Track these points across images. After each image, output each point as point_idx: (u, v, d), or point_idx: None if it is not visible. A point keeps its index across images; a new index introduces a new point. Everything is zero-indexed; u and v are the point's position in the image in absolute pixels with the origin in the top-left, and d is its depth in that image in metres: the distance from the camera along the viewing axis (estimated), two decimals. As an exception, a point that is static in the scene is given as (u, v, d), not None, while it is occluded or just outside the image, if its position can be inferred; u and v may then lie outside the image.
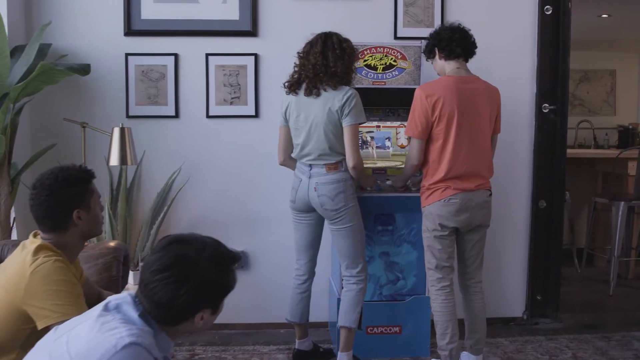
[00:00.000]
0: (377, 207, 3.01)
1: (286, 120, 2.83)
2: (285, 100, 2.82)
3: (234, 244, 3.38)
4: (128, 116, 3.36)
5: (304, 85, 2.72)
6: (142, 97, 3.35)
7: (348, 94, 2.67)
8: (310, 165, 2.76)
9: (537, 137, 3.50)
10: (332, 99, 2.67)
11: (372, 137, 3.19)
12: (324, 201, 2.72)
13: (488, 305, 2.88)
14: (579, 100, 6.87)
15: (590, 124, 6.17)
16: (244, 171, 3.42)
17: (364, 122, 2.80)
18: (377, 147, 3.18)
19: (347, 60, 2.71)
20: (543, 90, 3.48)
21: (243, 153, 3.41)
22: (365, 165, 2.96)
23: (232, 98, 3.38)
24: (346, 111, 2.66)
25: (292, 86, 2.77)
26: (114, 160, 2.85)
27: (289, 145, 2.87)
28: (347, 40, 2.74)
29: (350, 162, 2.68)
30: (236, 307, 3.41)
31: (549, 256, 3.56)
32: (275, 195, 3.36)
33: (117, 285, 2.28)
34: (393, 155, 3.14)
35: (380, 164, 3.13)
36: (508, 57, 3.46)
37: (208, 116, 3.39)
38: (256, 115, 3.40)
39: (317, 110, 2.69)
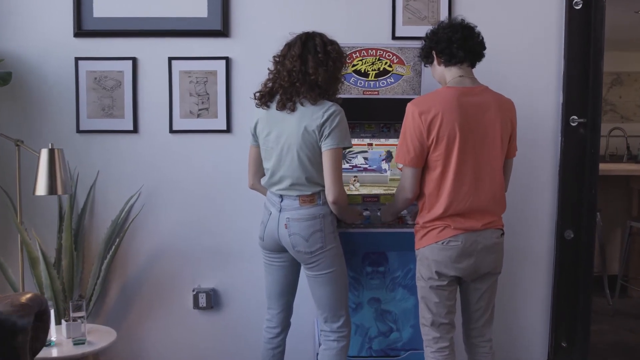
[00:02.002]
0: (366, 244, 2.48)
1: (255, 139, 2.31)
2: (256, 115, 2.30)
3: (203, 280, 2.91)
4: (78, 131, 2.88)
5: (277, 97, 2.21)
6: (95, 109, 2.87)
7: (330, 111, 2.15)
8: (281, 196, 2.24)
9: (563, 156, 2.93)
10: (310, 115, 2.15)
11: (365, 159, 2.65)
12: (297, 242, 2.20)
13: (503, 354, 2.32)
14: (611, 106, 6.27)
15: (622, 132, 5.57)
16: (214, 195, 2.92)
17: (350, 147, 2.26)
18: (369, 170, 2.64)
19: (331, 67, 2.18)
20: (571, 100, 2.91)
21: (213, 174, 2.91)
22: (349, 193, 2.44)
23: (200, 110, 2.88)
24: (326, 132, 2.14)
25: (263, 98, 2.25)
26: (41, 188, 2.36)
27: (260, 168, 2.35)
28: (333, 43, 2.22)
29: (330, 195, 2.16)
30: (204, 354, 2.98)
31: (576, 297, 2.99)
32: (251, 223, 2.82)
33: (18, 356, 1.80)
34: (392, 180, 2.59)
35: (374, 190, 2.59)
36: (528, 61, 2.90)
37: (171, 131, 2.89)
38: (228, 130, 2.89)
39: (290, 128, 2.18)
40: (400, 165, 2.23)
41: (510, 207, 2.30)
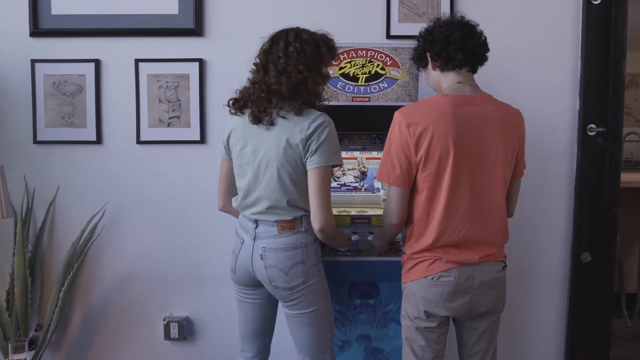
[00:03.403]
0: (354, 274, 2.17)
1: (228, 151, 1.99)
2: (228, 124, 1.98)
3: (175, 308, 2.60)
4: (36, 141, 2.58)
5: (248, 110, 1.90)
6: (54, 117, 2.57)
7: (317, 122, 1.83)
8: (256, 222, 1.92)
9: (579, 170, 2.60)
10: (293, 127, 1.83)
11: (363, 171, 2.34)
12: (274, 275, 1.88)
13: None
14: (627, 109, 5.89)
15: (638, 137, 5.22)
16: (188, 213, 2.61)
17: (340, 165, 1.94)
18: (359, 190, 2.33)
19: (295, 71, 1.83)
20: (588, 106, 2.58)
21: (185, 190, 2.60)
22: (336, 212, 2.13)
23: (170, 118, 2.57)
24: (313, 146, 1.82)
25: (237, 103, 1.93)
26: (-25, 212, 2.06)
27: (233, 186, 2.03)
28: (301, 35, 1.87)
29: (316, 222, 1.83)
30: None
31: (592, 328, 2.66)
32: (229, 244, 2.46)
33: None
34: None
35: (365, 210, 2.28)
36: (540, 62, 2.57)
37: (139, 142, 2.58)
38: (201, 141, 2.58)
39: (270, 141, 1.86)
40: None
41: (520, 227, 2.00)
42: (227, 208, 2.08)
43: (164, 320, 2.63)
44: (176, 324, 2.62)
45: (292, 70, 1.82)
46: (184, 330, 2.62)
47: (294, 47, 1.84)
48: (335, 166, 1.90)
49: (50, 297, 2.54)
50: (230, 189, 2.04)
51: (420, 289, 1.79)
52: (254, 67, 1.91)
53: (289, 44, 1.85)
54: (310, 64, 1.86)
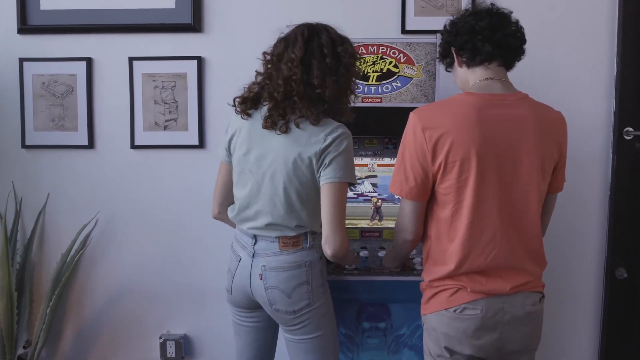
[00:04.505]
0: (363, 294, 1.96)
1: (229, 154, 1.78)
2: (232, 123, 1.76)
3: (172, 325, 2.42)
4: (24, 146, 2.42)
5: (264, 109, 1.67)
6: (44, 120, 2.40)
7: (335, 133, 1.61)
8: (255, 237, 1.72)
9: (615, 177, 2.36)
10: (307, 138, 1.61)
11: (378, 206, 2.13)
12: (275, 298, 1.68)
13: None
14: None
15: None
16: (186, 223, 2.42)
17: (353, 184, 1.72)
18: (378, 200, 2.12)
19: (342, 75, 1.64)
20: (625, 107, 2.34)
21: (183, 198, 2.41)
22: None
23: (167, 121, 2.38)
24: (327, 159, 1.60)
25: (245, 103, 1.71)
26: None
27: (229, 193, 1.82)
28: (344, 41, 1.67)
29: (328, 246, 1.61)
30: None
31: (629, 354, 2.42)
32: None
33: None
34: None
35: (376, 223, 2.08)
36: (571, 58, 2.34)
37: (133, 146, 2.40)
38: (200, 145, 2.39)
39: (278, 150, 1.64)
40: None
41: (549, 240, 1.77)
42: (222, 216, 1.88)
43: (160, 338, 2.44)
44: (173, 342, 2.43)
45: (344, 72, 1.62)
46: (182, 349, 2.44)
47: (342, 48, 1.63)
48: (351, 184, 1.68)
49: (39, 313, 2.37)
50: (228, 196, 1.83)
51: (440, 323, 1.54)
52: (279, 62, 1.64)
53: (335, 42, 1.63)
54: (351, 72, 1.67)
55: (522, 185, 1.51)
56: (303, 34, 1.64)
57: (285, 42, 1.66)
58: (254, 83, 1.70)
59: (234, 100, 1.73)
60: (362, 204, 2.12)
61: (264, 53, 1.70)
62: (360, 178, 2.10)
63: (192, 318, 2.46)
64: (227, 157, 1.78)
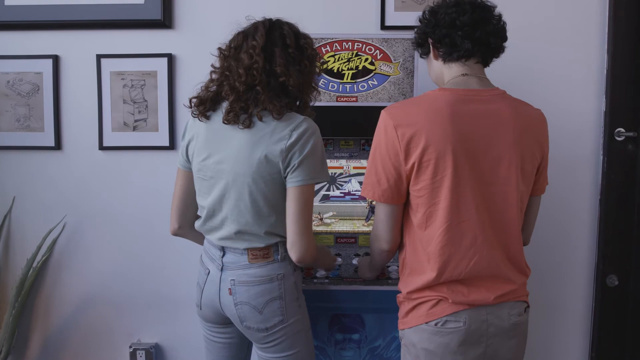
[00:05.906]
0: (336, 304, 1.85)
1: (188, 161, 1.67)
2: (189, 127, 1.65)
3: (143, 334, 2.33)
4: (-12, 147, 2.32)
5: (224, 105, 1.56)
6: (8, 120, 2.30)
7: (301, 129, 1.50)
8: (223, 249, 1.61)
9: (606, 181, 2.25)
10: (270, 134, 1.50)
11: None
12: (246, 314, 1.57)
13: None
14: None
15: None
16: (157, 227, 2.32)
17: (326, 181, 1.62)
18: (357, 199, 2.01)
19: (305, 67, 1.54)
20: (616, 107, 2.23)
21: (154, 201, 2.31)
22: (316, 228, 1.82)
23: (136, 121, 2.28)
24: (295, 159, 1.49)
25: (203, 105, 1.60)
26: None
27: (190, 203, 1.71)
28: (307, 36, 1.58)
29: (294, 252, 1.52)
30: None
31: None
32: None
33: None
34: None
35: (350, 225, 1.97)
36: (560, 56, 2.23)
37: (102, 147, 2.30)
38: (171, 147, 2.29)
39: (241, 150, 1.52)
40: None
41: (533, 245, 1.67)
42: (183, 231, 1.73)
43: (130, 347, 2.34)
44: (143, 351, 2.33)
45: (306, 63, 1.53)
46: (153, 359, 2.34)
47: (305, 41, 1.55)
48: (320, 183, 1.58)
49: (3, 321, 2.28)
50: (189, 207, 1.70)
51: (420, 339, 1.42)
52: (238, 53, 1.53)
53: (298, 35, 1.55)
54: (314, 66, 1.58)
55: (500, 185, 1.40)
56: (264, 24, 1.55)
57: (243, 34, 1.56)
58: (210, 80, 1.60)
59: (190, 100, 1.62)
60: (350, 203, 2.01)
61: (219, 48, 1.60)
62: (349, 176, 2.00)
63: (164, 326, 2.36)
64: (186, 164, 1.67)
